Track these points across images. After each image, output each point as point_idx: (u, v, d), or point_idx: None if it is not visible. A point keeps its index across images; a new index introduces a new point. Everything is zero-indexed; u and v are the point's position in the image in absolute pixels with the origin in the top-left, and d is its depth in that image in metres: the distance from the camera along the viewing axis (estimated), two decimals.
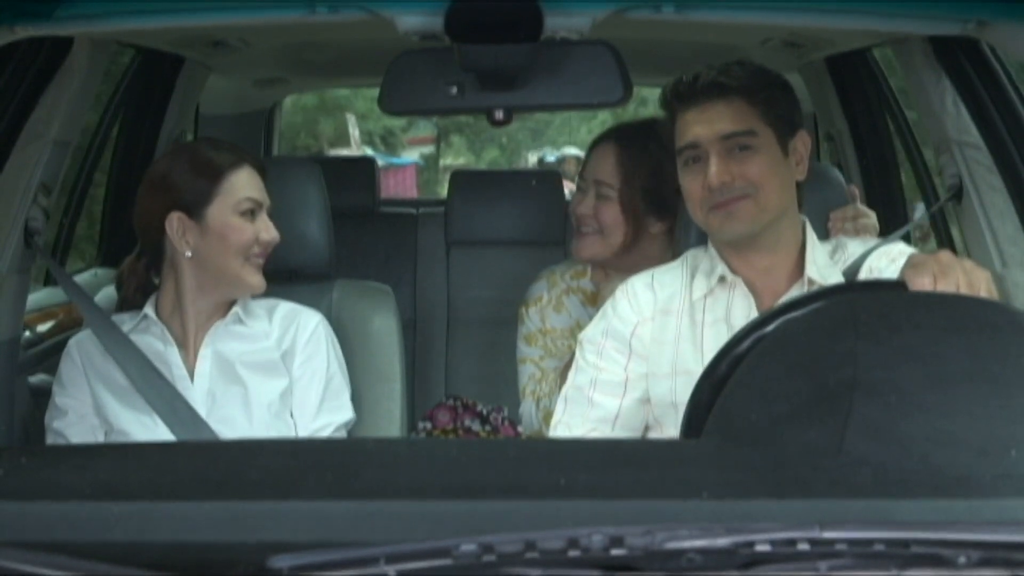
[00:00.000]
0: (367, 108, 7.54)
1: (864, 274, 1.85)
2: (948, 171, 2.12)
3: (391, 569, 0.79)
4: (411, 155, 9.22)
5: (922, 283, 1.48)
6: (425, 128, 9.24)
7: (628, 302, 1.89)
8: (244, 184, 1.99)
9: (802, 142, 1.87)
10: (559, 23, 1.70)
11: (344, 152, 7.28)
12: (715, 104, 1.81)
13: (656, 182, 2.34)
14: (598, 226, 2.38)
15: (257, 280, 2.00)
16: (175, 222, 1.96)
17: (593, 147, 2.46)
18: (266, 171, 2.04)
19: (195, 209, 1.96)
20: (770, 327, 1.32)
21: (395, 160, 8.30)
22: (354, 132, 7.65)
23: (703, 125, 1.81)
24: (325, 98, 7.28)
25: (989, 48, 1.99)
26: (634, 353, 1.87)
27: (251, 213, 1.98)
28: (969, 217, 2.11)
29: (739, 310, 1.83)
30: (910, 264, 1.54)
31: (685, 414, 1.36)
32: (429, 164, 10.24)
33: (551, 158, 8.88)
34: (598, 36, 1.77)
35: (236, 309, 2.02)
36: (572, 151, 9.87)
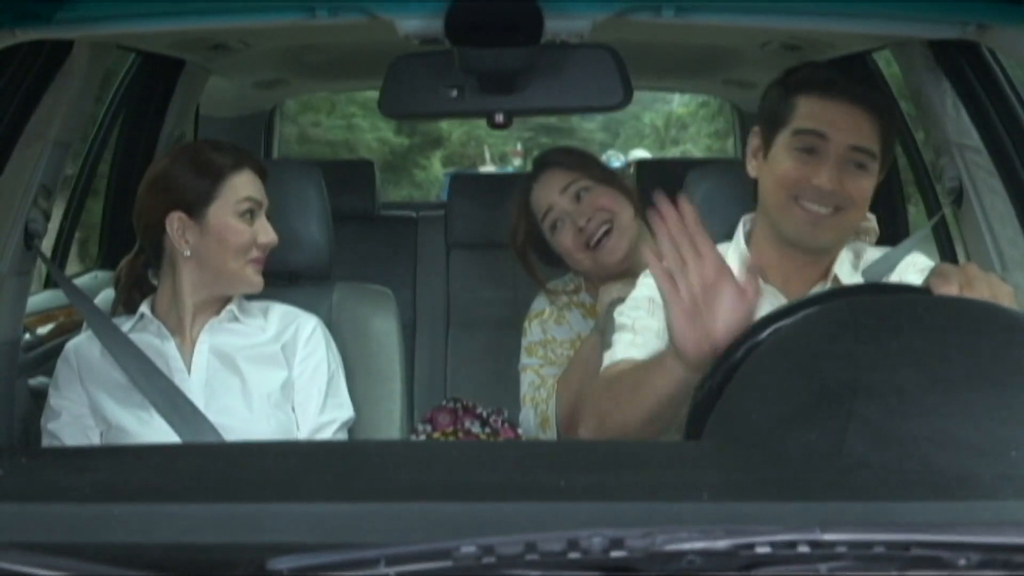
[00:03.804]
0: (492, 141, 11.05)
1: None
2: (948, 174, 2.13)
3: (391, 571, 0.79)
4: (510, 166, 11.72)
5: (948, 291, 1.48)
6: (517, 146, 12.05)
7: None
8: (244, 185, 1.99)
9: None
10: (559, 26, 1.70)
11: (486, 168, 10.40)
12: (859, 111, 1.76)
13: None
14: (607, 217, 2.38)
15: (256, 280, 2.01)
16: (175, 222, 1.97)
17: (535, 183, 2.50)
18: (266, 173, 2.05)
19: (195, 209, 1.96)
20: (788, 320, 1.32)
21: (507, 170, 11.07)
22: (487, 155, 11.04)
23: (840, 125, 1.75)
24: (471, 135, 10.93)
25: (989, 52, 1.99)
26: None
27: (250, 214, 1.99)
28: (969, 220, 2.11)
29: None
30: (936, 272, 1.53)
31: (686, 415, 1.36)
32: (519, 172, 11.97)
33: (616, 163, 8.67)
34: (598, 39, 1.77)
35: (231, 307, 2.03)
36: (640, 153, 9.95)
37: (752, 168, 1.86)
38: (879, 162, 1.80)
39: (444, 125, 11.00)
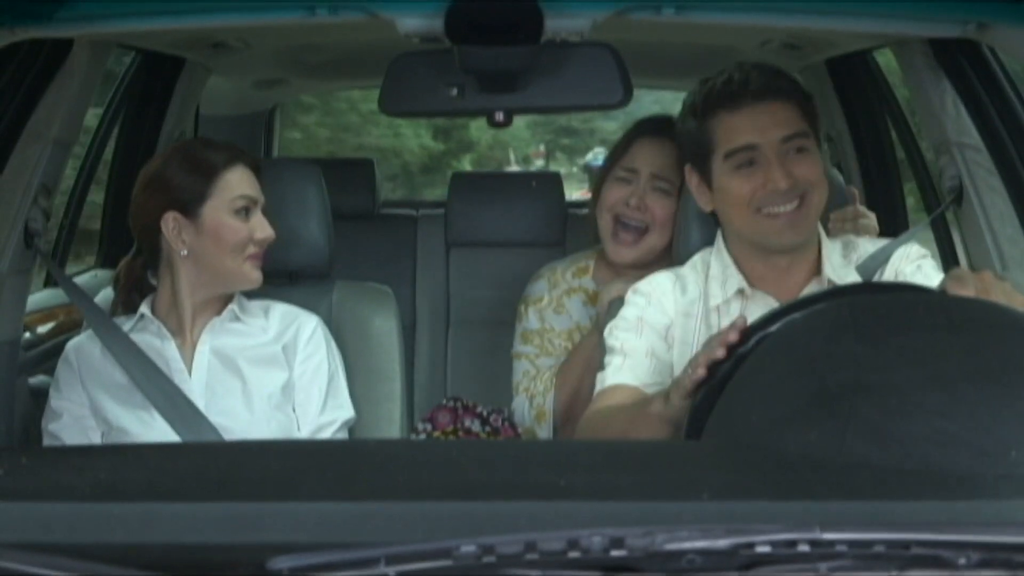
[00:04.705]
0: (516, 144, 11.86)
1: (889, 277, 1.85)
2: (948, 172, 2.13)
3: (391, 570, 0.79)
4: (532, 166, 12.31)
5: (965, 295, 1.48)
6: (539, 147, 12.67)
7: (660, 299, 1.88)
8: (238, 182, 1.99)
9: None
10: (559, 25, 1.70)
11: (511, 168, 10.90)
12: (770, 106, 1.79)
13: None
14: (651, 221, 2.32)
15: (255, 275, 2.01)
16: (171, 221, 1.96)
17: (640, 138, 2.38)
18: (260, 169, 2.04)
19: (190, 208, 1.96)
20: (774, 327, 1.32)
21: (530, 170, 11.79)
22: (511, 156, 11.76)
23: (760, 128, 1.78)
24: (497, 139, 11.69)
25: (989, 50, 1.99)
26: (665, 343, 1.85)
27: (245, 211, 1.98)
28: (969, 218, 2.11)
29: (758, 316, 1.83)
30: (953, 276, 1.55)
31: (687, 415, 1.36)
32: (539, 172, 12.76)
33: (598, 163, 9.16)
34: (598, 38, 1.77)
35: (233, 307, 2.03)
36: None
37: (705, 202, 1.88)
38: (815, 137, 1.82)
39: (473, 131, 11.74)
